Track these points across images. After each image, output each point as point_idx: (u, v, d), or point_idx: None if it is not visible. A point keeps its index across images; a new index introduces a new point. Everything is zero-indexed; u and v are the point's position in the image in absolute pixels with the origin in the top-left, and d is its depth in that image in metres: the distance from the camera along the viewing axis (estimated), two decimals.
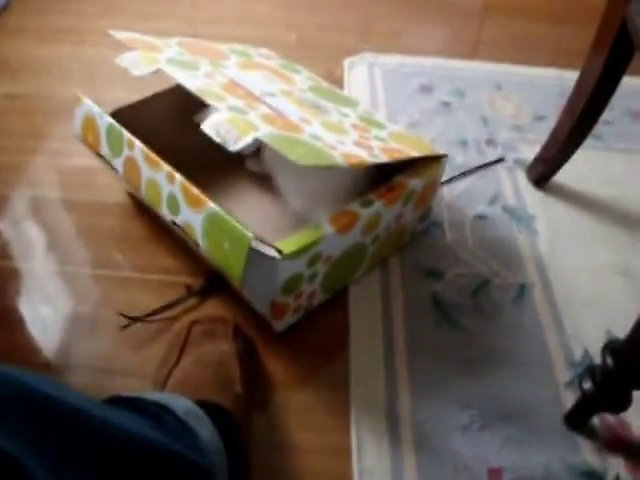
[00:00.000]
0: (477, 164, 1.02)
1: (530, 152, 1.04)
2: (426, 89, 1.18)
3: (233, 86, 0.72)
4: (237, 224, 0.59)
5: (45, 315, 0.76)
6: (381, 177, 0.77)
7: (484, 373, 0.74)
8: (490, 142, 1.07)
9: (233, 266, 0.60)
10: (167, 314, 0.76)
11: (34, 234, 0.87)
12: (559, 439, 0.67)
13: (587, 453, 0.66)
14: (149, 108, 0.87)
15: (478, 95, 1.18)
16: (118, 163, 0.74)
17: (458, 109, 1.14)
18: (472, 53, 1.35)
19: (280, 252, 0.62)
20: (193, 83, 0.68)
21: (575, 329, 0.79)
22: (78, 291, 0.80)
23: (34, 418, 0.39)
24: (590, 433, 0.68)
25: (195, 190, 0.63)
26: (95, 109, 0.76)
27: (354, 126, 0.76)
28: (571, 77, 1.22)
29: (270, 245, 0.61)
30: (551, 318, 0.80)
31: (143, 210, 0.89)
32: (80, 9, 1.37)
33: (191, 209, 0.64)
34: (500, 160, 1.03)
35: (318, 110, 0.76)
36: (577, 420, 0.68)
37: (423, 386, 0.71)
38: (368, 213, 0.70)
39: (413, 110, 1.12)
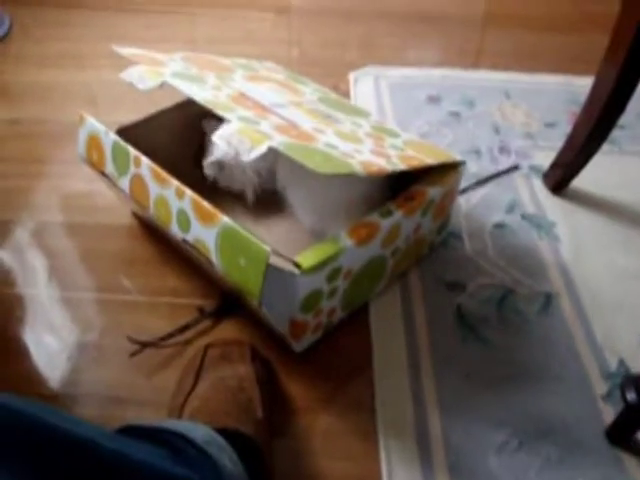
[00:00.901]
0: (492, 173, 0.99)
1: (544, 159, 1.01)
2: (434, 100, 1.16)
3: (241, 98, 0.70)
4: (253, 238, 0.56)
5: (51, 343, 0.73)
6: (394, 188, 0.74)
7: (516, 389, 0.69)
8: (503, 150, 1.05)
9: (250, 283, 0.57)
10: (179, 338, 0.72)
11: (38, 260, 0.84)
12: (602, 456, 0.63)
13: (633, 470, 0.62)
14: (153, 126, 0.84)
15: (487, 104, 1.15)
16: (124, 182, 0.71)
17: (468, 119, 1.11)
18: (475, 63, 1.33)
19: (298, 266, 0.58)
20: (201, 95, 0.66)
21: (607, 337, 0.75)
22: (85, 317, 0.76)
23: (39, 450, 0.36)
24: (635, 449, 0.64)
25: (206, 205, 0.60)
26: (100, 127, 0.74)
27: (368, 135, 0.73)
28: (578, 83, 1.22)
29: (288, 259, 0.58)
30: (581, 327, 0.77)
31: (149, 231, 0.86)
32: (81, 35, 1.35)
33: (203, 225, 0.61)
34: (515, 168, 1.00)
35: (330, 120, 0.73)
36: (620, 435, 0.63)
37: (453, 405, 0.67)
38: (388, 224, 0.67)
39: (422, 121, 1.09)
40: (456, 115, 1.12)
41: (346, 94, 1.15)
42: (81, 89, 1.19)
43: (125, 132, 0.78)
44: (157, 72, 0.70)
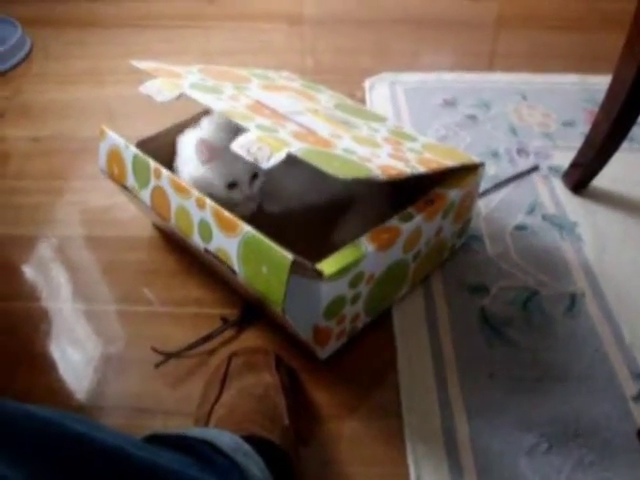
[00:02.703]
0: (511, 174, 0.98)
1: (563, 159, 1.00)
2: (450, 104, 1.15)
3: (259, 106, 0.70)
4: (275, 246, 0.56)
5: (76, 356, 0.74)
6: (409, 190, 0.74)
7: (544, 390, 0.69)
8: (521, 151, 1.04)
9: (273, 291, 0.57)
10: (203, 348, 0.73)
11: (62, 273, 0.85)
12: (634, 457, 0.62)
13: None
14: (172, 138, 0.85)
15: (503, 106, 1.15)
16: (145, 194, 0.72)
17: (485, 121, 1.11)
18: (490, 65, 1.33)
19: (321, 273, 0.59)
20: (218, 105, 0.66)
21: (635, 337, 0.74)
22: (109, 329, 0.77)
23: (69, 459, 0.36)
24: None
25: (228, 214, 0.61)
26: (120, 141, 0.75)
27: (386, 139, 0.73)
28: (594, 81, 1.21)
29: (310, 266, 0.58)
30: (608, 327, 0.76)
31: (170, 242, 0.87)
32: (99, 52, 1.38)
33: (225, 234, 0.61)
34: (535, 169, 1.00)
35: (347, 125, 0.74)
36: None
37: (480, 408, 0.67)
38: (408, 228, 0.67)
39: (439, 125, 1.09)
40: (473, 118, 1.12)
41: (362, 101, 1.15)
42: (100, 105, 1.21)
43: (144, 145, 0.79)
44: (175, 84, 0.71)
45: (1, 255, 0.88)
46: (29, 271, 0.86)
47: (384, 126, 0.79)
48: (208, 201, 0.63)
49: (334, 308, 0.63)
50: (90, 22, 1.51)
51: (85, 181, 1.01)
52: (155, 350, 0.71)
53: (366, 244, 0.63)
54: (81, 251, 0.89)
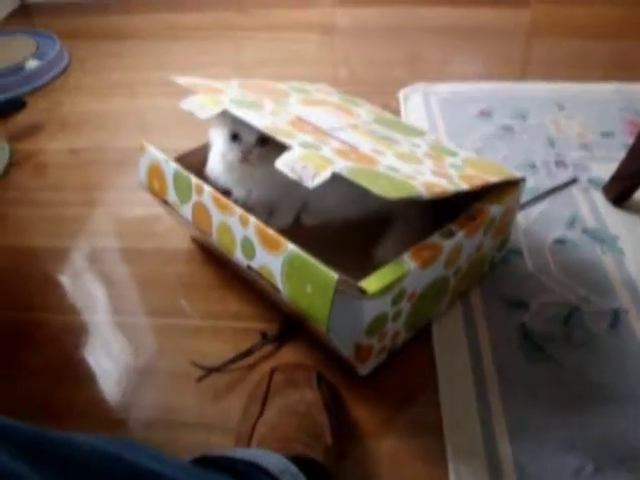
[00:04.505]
0: (549, 187, 0.97)
1: (602, 170, 0.99)
2: (485, 114, 1.14)
3: (300, 122, 0.70)
4: (320, 265, 0.56)
5: (115, 369, 0.74)
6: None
7: (587, 410, 0.67)
8: (559, 163, 1.02)
9: (317, 310, 0.57)
10: (243, 362, 0.73)
11: (100, 286, 0.86)
12: None
13: None
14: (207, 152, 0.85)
15: (540, 116, 1.13)
16: (186, 209, 0.73)
17: (521, 132, 1.10)
18: (524, 74, 1.32)
19: (364, 292, 0.58)
20: (261, 122, 0.66)
21: None
22: (147, 343, 0.78)
23: None
24: None
25: (272, 232, 0.61)
26: (160, 156, 0.76)
27: (427, 155, 0.73)
28: (632, 89, 1.19)
29: (354, 285, 0.58)
30: None
31: (209, 255, 0.88)
32: (132, 63, 1.40)
33: (268, 252, 0.61)
34: (573, 181, 0.98)
35: (389, 141, 0.73)
36: None
37: (522, 427, 0.66)
38: (450, 245, 0.66)
39: (475, 137, 1.08)
40: (509, 129, 1.10)
41: (396, 112, 1.15)
42: (135, 116, 1.23)
43: (183, 159, 0.80)
44: (216, 100, 0.71)
45: (40, 267, 0.90)
46: (68, 283, 0.87)
47: (424, 140, 0.79)
48: (252, 219, 0.63)
49: (376, 325, 0.63)
50: (123, 34, 1.54)
51: (122, 192, 1.02)
52: (196, 364, 0.71)
53: (408, 261, 0.63)
54: (119, 263, 0.90)
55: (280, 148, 0.68)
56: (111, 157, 1.11)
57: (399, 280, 0.61)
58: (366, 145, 0.69)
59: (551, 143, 1.07)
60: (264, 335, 0.74)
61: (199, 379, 0.70)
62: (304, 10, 1.63)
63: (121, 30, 1.54)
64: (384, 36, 1.49)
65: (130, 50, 1.45)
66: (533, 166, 1.02)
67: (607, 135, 1.09)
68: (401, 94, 1.20)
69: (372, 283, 0.59)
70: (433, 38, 1.47)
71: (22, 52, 1.34)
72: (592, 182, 0.98)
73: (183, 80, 0.76)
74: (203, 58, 1.41)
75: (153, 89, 1.29)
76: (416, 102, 1.18)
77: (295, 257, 0.58)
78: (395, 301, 0.63)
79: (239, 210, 0.65)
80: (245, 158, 0.74)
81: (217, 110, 0.69)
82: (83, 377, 0.74)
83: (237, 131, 0.73)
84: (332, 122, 0.74)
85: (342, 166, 0.58)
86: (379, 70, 1.33)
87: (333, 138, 0.68)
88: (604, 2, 1.54)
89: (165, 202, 0.77)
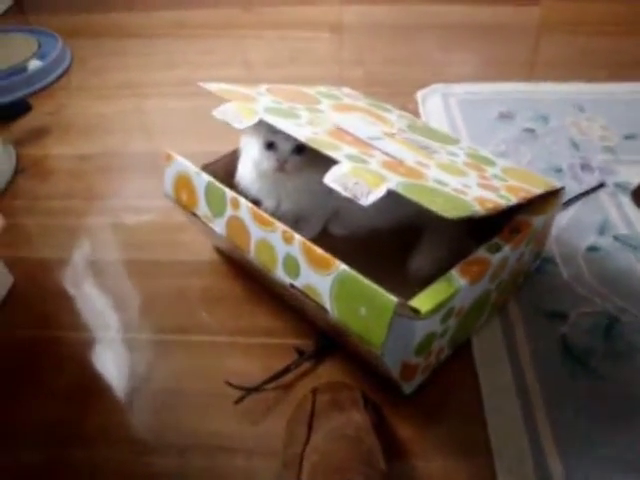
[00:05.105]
0: (576, 192, 0.95)
1: (629, 174, 0.98)
2: (506, 117, 1.12)
3: (339, 132, 0.68)
4: (377, 287, 0.54)
5: (145, 391, 0.71)
6: None
7: (636, 426, 0.66)
8: (585, 167, 1.01)
9: (372, 333, 0.55)
10: (280, 381, 0.70)
11: (119, 300, 0.82)
12: None
13: None
14: (234, 160, 0.82)
15: (562, 118, 1.12)
16: (219, 223, 0.70)
17: (544, 135, 1.08)
18: (542, 74, 1.29)
19: (417, 311, 0.56)
20: (302, 133, 0.64)
21: None
22: (177, 362, 0.74)
23: None
24: None
25: (320, 251, 0.58)
26: (190, 167, 0.73)
27: (467, 165, 0.71)
28: None
29: (405, 304, 0.56)
30: None
31: (235, 267, 0.85)
32: (138, 63, 1.36)
33: (315, 271, 0.59)
34: (601, 185, 0.97)
35: (427, 151, 0.71)
36: None
37: (571, 445, 0.64)
38: (497, 259, 0.64)
39: (498, 140, 1.06)
40: (531, 132, 1.09)
41: (415, 114, 1.12)
42: (145, 119, 1.19)
43: (207, 168, 0.76)
44: (251, 109, 0.68)
45: (53, 280, 0.86)
46: (86, 298, 0.83)
47: (460, 149, 0.77)
48: (297, 236, 0.60)
49: (425, 344, 0.61)
50: (126, 32, 1.49)
51: (139, 200, 0.99)
52: (231, 384, 0.68)
53: (458, 278, 0.61)
54: (138, 276, 0.86)
55: (314, 157, 0.65)
56: (123, 163, 1.07)
57: (451, 298, 0.59)
58: (409, 156, 0.66)
59: (575, 146, 1.05)
60: (300, 352, 0.72)
61: (237, 401, 0.67)
62: (310, 7, 1.59)
63: (124, 28, 1.50)
64: (394, 34, 1.46)
65: (134, 49, 1.41)
66: (559, 170, 1.00)
67: (630, 137, 1.07)
68: (419, 95, 1.18)
69: (424, 302, 0.57)
70: (444, 35, 1.45)
71: (24, 52, 1.29)
72: (619, 186, 0.97)
73: (213, 87, 0.73)
74: (211, 57, 1.37)
75: (162, 90, 1.25)
76: (435, 104, 1.15)
77: (347, 278, 0.56)
78: (444, 319, 0.61)
79: (282, 226, 0.62)
80: (281, 167, 0.71)
81: (254, 120, 0.66)
82: (111, 400, 0.71)
83: (273, 139, 0.71)
84: (369, 131, 0.72)
85: (396, 182, 0.56)
86: (393, 70, 1.30)
87: (375, 149, 0.65)
88: None
89: (194, 215, 0.74)
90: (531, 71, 1.32)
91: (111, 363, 0.75)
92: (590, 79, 1.22)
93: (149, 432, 0.67)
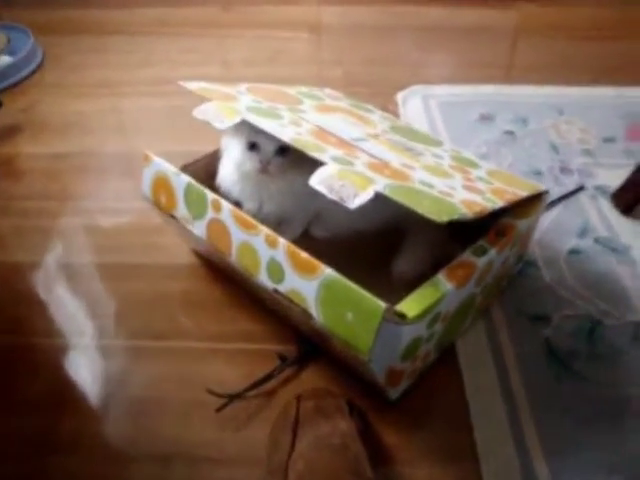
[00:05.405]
0: (557, 195, 0.95)
1: (607, 177, 0.98)
2: (486, 118, 1.13)
3: (322, 133, 0.66)
4: (365, 292, 0.52)
5: (123, 399, 0.69)
6: None
7: (622, 428, 0.66)
8: (564, 170, 1.01)
9: (360, 339, 0.53)
10: (262, 388, 0.69)
11: (95, 305, 0.80)
12: None
13: None
14: (214, 161, 0.81)
15: (541, 121, 1.12)
16: (199, 226, 0.68)
17: (524, 137, 1.08)
18: (520, 77, 1.29)
19: (403, 316, 0.55)
20: (286, 134, 0.62)
21: None
22: (156, 369, 0.72)
23: None
24: None
25: (305, 255, 0.57)
26: (170, 168, 0.71)
27: (453, 168, 0.70)
28: (631, 94, 1.19)
29: (391, 309, 0.55)
30: None
31: (214, 270, 0.83)
32: (115, 60, 1.33)
33: (300, 275, 0.57)
34: (581, 188, 0.97)
35: (412, 153, 0.70)
36: None
37: (557, 449, 0.64)
38: (483, 262, 0.64)
39: (478, 142, 1.06)
40: (511, 134, 1.09)
41: (395, 114, 1.12)
42: (122, 118, 1.16)
43: (187, 169, 0.74)
44: (232, 109, 0.67)
45: (27, 285, 0.83)
46: (60, 303, 0.80)
47: (444, 151, 0.76)
48: (281, 239, 0.59)
49: (411, 349, 0.60)
50: (104, 29, 1.46)
51: (115, 202, 0.96)
52: (211, 392, 0.66)
53: (445, 282, 0.60)
54: (114, 280, 0.83)
55: (298, 158, 0.64)
56: (99, 163, 1.05)
57: (437, 302, 0.58)
58: (393, 158, 0.65)
59: (554, 149, 1.06)
60: (283, 358, 0.70)
61: (219, 408, 0.65)
62: (289, 7, 1.58)
63: (104, 25, 1.46)
64: (373, 35, 1.45)
65: (113, 46, 1.38)
66: (539, 173, 1.00)
67: (609, 140, 1.08)
68: (399, 97, 1.17)
69: (410, 307, 0.56)
70: (423, 37, 1.45)
71: None
72: (599, 189, 0.97)
73: (193, 85, 0.71)
74: (189, 56, 1.35)
75: (140, 88, 1.22)
76: (415, 105, 1.15)
77: (334, 282, 0.55)
78: (430, 324, 0.60)
79: (265, 229, 0.60)
80: (264, 168, 0.69)
81: (235, 120, 0.65)
82: (87, 408, 0.69)
83: (255, 140, 0.69)
84: (352, 132, 0.71)
85: (383, 185, 0.54)
86: (372, 70, 1.29)
87: (360, 150, 0.64)
88: (593, 3, 1.54)
89: (172, 217, 0.72)
90: (509, 74, 1.33)
91: (86, 370, 0.73)
92: (571, 83, 1.22)
93: (127, 441, 0.65)
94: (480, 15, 1.55)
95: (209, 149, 0.81)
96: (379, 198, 0.54)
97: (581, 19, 1.51)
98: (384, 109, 1.09)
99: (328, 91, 0.90)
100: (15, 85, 1.24)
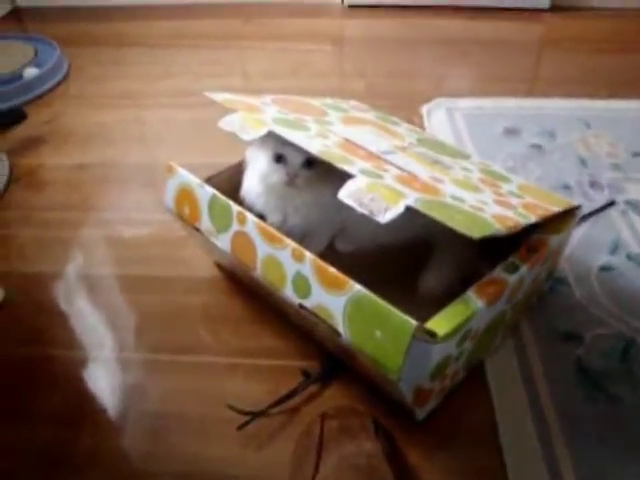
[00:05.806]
0: (587, 210, 0.93)
1: (638, 192, 0.96)
2: (512, 132, 1.11)
3: (350, 146, 0.65)
4: (395, 309, 0.51)
5: (142, 414, 0.67)
6: None
7: None
8: (594, 184, 0.99)
9: (388, 358, 0.52)
10: (285, 405, 0.67)
11: (115, 318, 0.79)
12: None
13: None
14: (238, 172, 0.80)
15: (568, 135, 1.10)
16: (224, 239, 0.67)
17: (551, 151, 1.06)
18: (548, 91, 1.27)
19: (434, 335, 0.53)
20: (314, 146, 0.61)
21: None
22: (175, 384, 0.70)
23: None
24: None
25: (333, 270, 0.55)
26: (194, 180, 0.70)
27: (482, 181, 0.68)
28: None
29: (421, 327, 0.53)
30: None
31: (237, 284, 0.81)
32: (137, 72, 1.33)
33: (327, 291, 0.56)
34: (612, 203, 0.95)
35: (441, 166, 0.69)
36: None
37: (592, 476, 0.61)
38: (514, 280, 0.62)
39: (505, 156, 1.04)
40: (538, 148, 1.07)
41: (420, 127, 1.10)
42: (144, 129, 1.16)
43: (210, 181, 0.73)
44: (258, 120, 0.66)
45: (48, 296, 0.82)
46: (81, 315, 0.79)
47: (472, 164, 0.74)
48: (308, 254, 0.57)
49: (441, 368, 0.58)
50: (125, 41, 1.47)
51: (137, 213, 0.96)
52: (234, 408, 0.65)
53: (475, 300, 0.58)
54: (135, 292, 0.82)
55: (324, 170, 0.63)
56: (122, 174, 1.04)
57: (468, 320, 0.56)
58: (422, 171, 0.64)
59: (583, 163, 1.03)
60: (307, 374, 0.69)
61: (241, 426, 0.64)
62: (310, 20, 1.58)
63: (124, 37, 1.47)
64: (395, 48, 1.44)
65: (134, 58, 1.38)
66: (568, 187, 0.98)
67: (638, 155, 1.06)
68: (424, 109, 1.16)
69: (440, 325, 0.54)
70: (445, 50, 1.43)
71: (20, 59, 1.27)
72: (630, 204, 0.95)
73: (218, 96, 0.70)
74: (210, 68, 1.35)
75: (161, 100, 1.22)
76: (440, 118, 1.13)
77: (363, 299, 0.53)
78: (460, 342, 0.58)
79: (292, 243, 0.59)
80: (292, 181, 0.68)
81: (262, 131, 0.64)
82: (105, 422, 0.67)
83: (282, 152, 0.68)
84: (380, 144, 0.69)
85: (414, 198, 0.53)
86: (395, 83, 1.28)
87: (388, 163, 0.63)
88: (615, 15, 1.52)
89: (196, 229, 0.71)
90: (532, 87, 1.31)
91: (105, 383, 0.72)
92: (594, 96, 1.20)
93: (146, 456, 0.64)
94: (501, 28, 1.53)
95: (231, 161, 0.80)
96: (404, 212, 0.53)
97: (603, 31, 1.49)
98: (409, 122, 1.08)
99: (353, 103, 0.88)
100: (41, 97, 1.25)
